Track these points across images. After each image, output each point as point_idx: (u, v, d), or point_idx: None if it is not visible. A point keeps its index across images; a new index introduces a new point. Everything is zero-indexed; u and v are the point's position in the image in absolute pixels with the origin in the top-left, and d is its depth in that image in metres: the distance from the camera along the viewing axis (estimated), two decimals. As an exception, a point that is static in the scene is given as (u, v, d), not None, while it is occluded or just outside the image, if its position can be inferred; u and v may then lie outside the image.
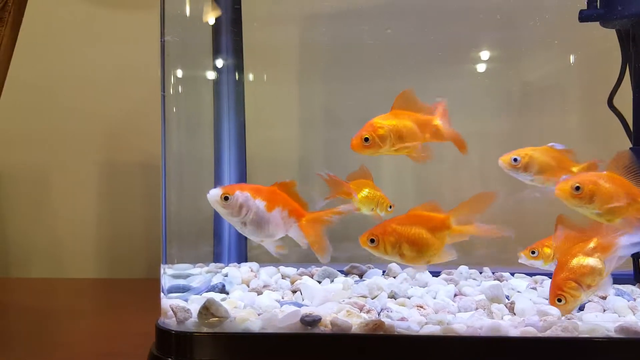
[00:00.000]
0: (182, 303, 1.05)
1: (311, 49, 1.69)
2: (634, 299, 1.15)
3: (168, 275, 1.14)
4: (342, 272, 1.38)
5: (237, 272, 1.36)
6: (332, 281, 1.31)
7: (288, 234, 1.08)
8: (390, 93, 1.20)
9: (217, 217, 1.48)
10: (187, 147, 1.27)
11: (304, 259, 1.10)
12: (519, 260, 1.21)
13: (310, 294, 1.18)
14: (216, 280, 1.28)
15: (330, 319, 0.99)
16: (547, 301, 1.07)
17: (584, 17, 1.29)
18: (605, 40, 1.34)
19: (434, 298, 1.18)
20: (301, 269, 1.38)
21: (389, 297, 1.17)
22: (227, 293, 1.22)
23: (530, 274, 1.35)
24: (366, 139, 1.10)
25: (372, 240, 1.02)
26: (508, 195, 1.17)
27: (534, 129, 1.26)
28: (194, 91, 1.36)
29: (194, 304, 1.05)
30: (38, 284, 1.94)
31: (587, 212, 1.03)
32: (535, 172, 1.17)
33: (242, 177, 1.56)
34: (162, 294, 1.09)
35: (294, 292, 1.23)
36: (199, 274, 1.31)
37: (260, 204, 1.04)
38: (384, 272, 1.39)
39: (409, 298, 1.16)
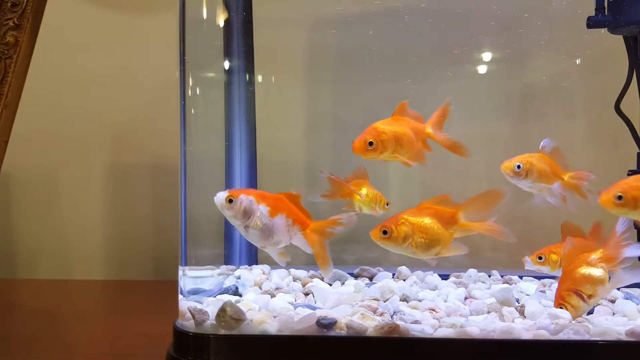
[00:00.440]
0: (199, 305, 1.06)
1: (319, 53, 1.71)
2: (643, 302, 1.17)
3: (188, 277, 1.15)
4: (352, 274, 1.39)
5: (249, 274, 1.38)
6: (342, 284, 1.32)
7: (292, 242, 1.10)
8: (396, 97, 1.22)
9: (227, 220, 1.49)
10: (203, 149, 1.28)
11: (314, 261, 1.12)
12: (525, 266, 1.22)
13: (322, 296, 1.19)
14: (229, 282, 1.30)
15: (345, 321, 1.00)
16: (557, 304, 1.08)
17: (592, 24, 1.31)
18: (610, 43, 1.35)
19: (445, 301, 1.19)
20: (311, 271, 1.40)
21: (400, 300, 1.18)
22: (240, 295, 1.23)
23: (539, 277, 1.36)
24: (371, 143, 1.13)
25: (384, 232, 1.04)
26: (517, 200, 1.18)
27: (548, 132, 1.28)
28: (209, 93, 1.38)
29: (210, 307, 1.06)
30: (45, 285, 1.94)
31: (637, 217, 1.03)
32: (534, 179, 1.19)
33: (252, 179, 1.57)
34: (180, 296, 1.10)
35: (306, 294, 1.24)
36: (211, 276, 1.32)
37: (264, 209, 1.06)
38: (393, 274, 1.41)
39: (420, 301, 1.17)
